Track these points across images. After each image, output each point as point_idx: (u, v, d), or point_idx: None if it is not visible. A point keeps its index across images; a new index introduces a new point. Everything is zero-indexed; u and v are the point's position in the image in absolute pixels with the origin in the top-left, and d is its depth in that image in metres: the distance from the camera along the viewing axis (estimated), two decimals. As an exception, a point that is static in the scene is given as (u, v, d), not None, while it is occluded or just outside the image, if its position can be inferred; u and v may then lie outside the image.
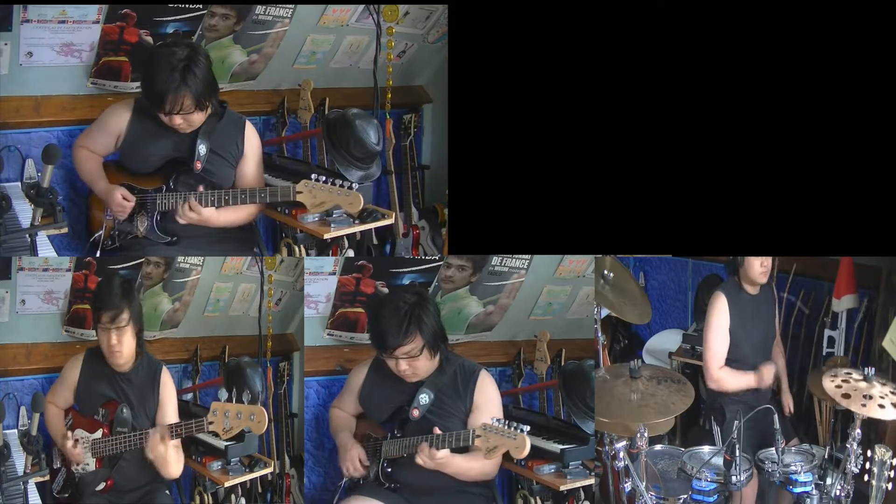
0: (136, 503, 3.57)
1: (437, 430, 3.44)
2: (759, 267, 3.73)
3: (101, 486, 3.51)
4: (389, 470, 3.55)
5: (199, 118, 3.53)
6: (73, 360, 3.66)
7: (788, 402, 3.94)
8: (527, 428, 3.35)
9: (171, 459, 3.49)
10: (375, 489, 3.55)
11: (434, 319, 3.49)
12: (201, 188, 3.56)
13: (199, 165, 3.56)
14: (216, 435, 3.51)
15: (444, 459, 3.40)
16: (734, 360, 3.76)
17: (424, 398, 3.52)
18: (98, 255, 3.66)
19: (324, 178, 3.53)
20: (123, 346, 3.53)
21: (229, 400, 3.43)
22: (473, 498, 3.59)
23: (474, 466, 3.47)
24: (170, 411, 3.60)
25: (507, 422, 3.37)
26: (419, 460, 3.41)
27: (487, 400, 3.57)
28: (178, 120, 3.48)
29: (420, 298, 3.50)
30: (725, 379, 3.75)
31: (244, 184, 3.67)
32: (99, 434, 3.51)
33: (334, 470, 3.87)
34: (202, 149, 3.57)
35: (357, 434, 3.67)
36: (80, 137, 3.68)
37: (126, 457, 3.51)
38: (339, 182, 3.54)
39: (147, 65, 3.51)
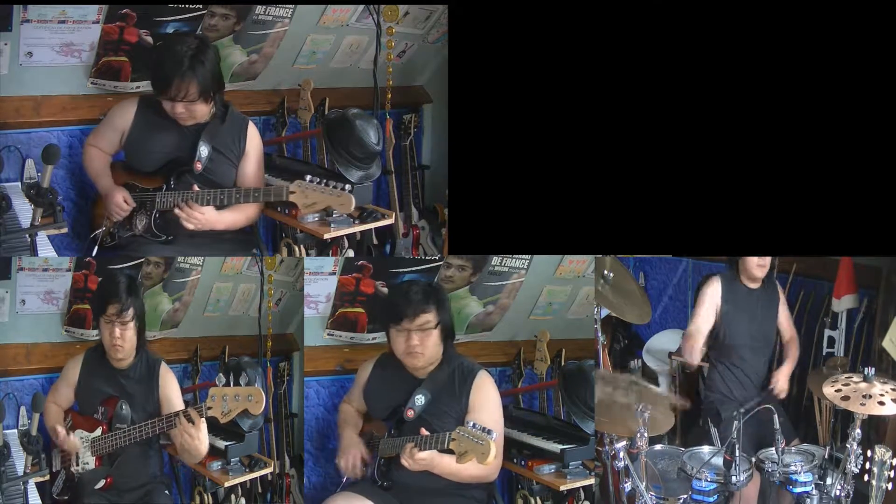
0: (136, 502, 3.57)
1: (423, 431, 3.42)
2: (756, 259, 3.75)
3: (101, 483, 3.51)
4: (385, 469, 3.54)
5: (201, 110, 3.53)
6: (74, 360, 3.66)
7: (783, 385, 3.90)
8: (495, 434, 3.30)
9: (203, 438, 3.48)
10: (366, 487, 3.53)
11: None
12: (196, 187, 3.56)
13: (198, 166, 3.56)
14: (217, 423, 3.49)
15: (428, 461, 3.38)
16: (724, 353, 3.78)
17: (420, 399, 3.50)
18: (97, 251, 3.66)
19: (317, 179, 3.53)
20: (125, 342, 3.53)
21: (226, 385, 3.43)
22: (468, 501, 3.55)
23: (465, 468, 3.40)
24: (175, 402, 3.59)
25: (482, 427, 3.31)
26: (403, 461, 3.40)
27: (484, 401, 3.53)
28: (180, 108, 3.49)
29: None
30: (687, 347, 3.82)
31: (245, 183, 3.67)
32: (98, 432, 3.51)
33: (334, 470, 3.86)
34: (203, 150, 3.57)
35: (361, 431, 3.66)
36: (90, 136, 3.70)
37: (125, 455, 3.52)
38: (331, 183, 3.54)
39: (157, 51, 3.56)
